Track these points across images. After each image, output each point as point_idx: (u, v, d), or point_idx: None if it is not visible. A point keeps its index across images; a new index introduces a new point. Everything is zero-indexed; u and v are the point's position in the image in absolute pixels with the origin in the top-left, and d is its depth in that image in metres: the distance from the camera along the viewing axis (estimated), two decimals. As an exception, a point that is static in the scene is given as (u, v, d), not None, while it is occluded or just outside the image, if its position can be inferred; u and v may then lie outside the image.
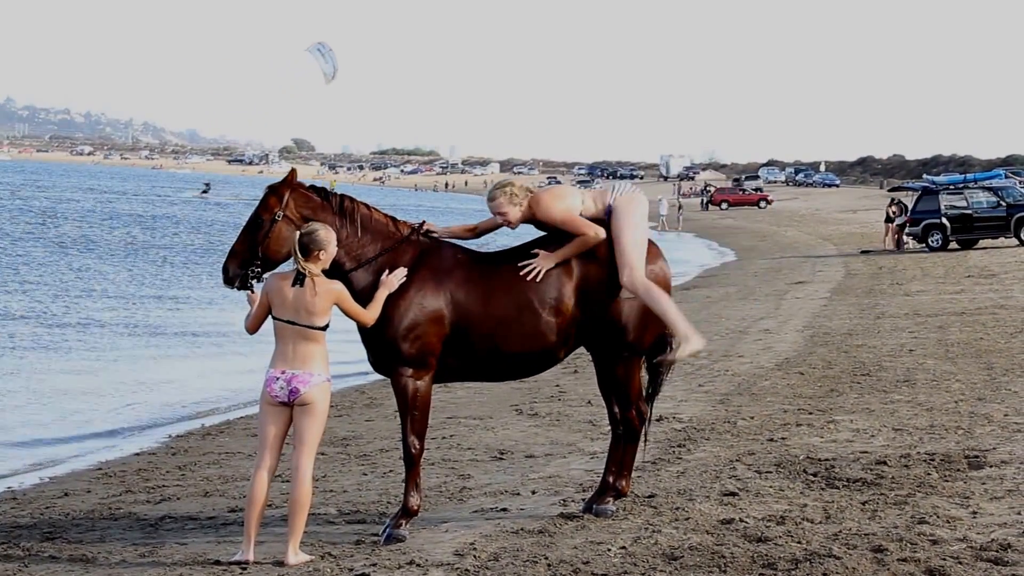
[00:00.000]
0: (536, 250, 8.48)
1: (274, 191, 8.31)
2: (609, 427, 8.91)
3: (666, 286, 8.65)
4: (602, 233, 8.44)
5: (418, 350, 8.22)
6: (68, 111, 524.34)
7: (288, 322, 7.76)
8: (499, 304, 8.32)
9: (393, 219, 8.60)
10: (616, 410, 8.73)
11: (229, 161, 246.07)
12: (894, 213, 45.89)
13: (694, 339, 8.42)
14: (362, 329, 8.21)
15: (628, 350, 8.57)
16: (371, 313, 8.04)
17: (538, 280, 8.35)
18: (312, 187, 8.51)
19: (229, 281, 8.25)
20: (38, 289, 31.03)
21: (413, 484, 8.31)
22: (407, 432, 8.28)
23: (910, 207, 43.89)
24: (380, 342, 8.23)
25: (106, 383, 18.10)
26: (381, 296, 8.09)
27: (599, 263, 8.42)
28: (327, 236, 7.88)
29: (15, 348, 21.24)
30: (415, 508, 8.32)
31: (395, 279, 8.17)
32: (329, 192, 8.52)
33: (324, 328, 7.86)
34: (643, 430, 8.85)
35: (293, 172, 8.45)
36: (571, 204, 8.55)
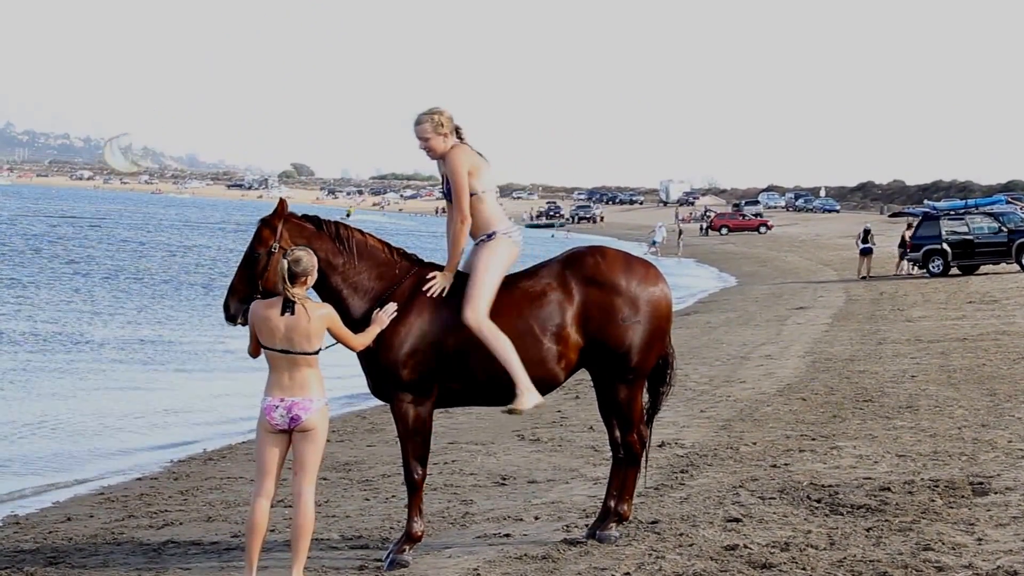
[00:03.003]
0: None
1: (266, 224, 8.26)
2: (610, 452, 8.91)
3: (668, 309, 8.66)
4: (467, 222, 8.38)
5: (419, 376, 8.22)
6: (68, 136, 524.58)
7: (282, 351, 7.67)
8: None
9: (387, 245, 8.59)
10: (617, 434, 8.72)
11: (228, 186, 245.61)
12: (858, 237, 46.49)
13: (530, 395, 8.23)
14: (362, 355, 8.19)
15: (631, 373, 8.54)
16: (362, 340, 7.99)
17: (443, 296, 8.29)
18: (304, 216, 8.48)
19: (231, 318, 8.18)
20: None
21: (416, 510, 8.30)
22: (408, 458, 8.28)
23: (912, 232, 43.95)
24: (380, 368, 8.22)
25: (105, 408, 18.07)
26: (373, 332, 8.05)
27: (600, 288, 8.42)
28: (311, 261, 7.76)
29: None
30: (418, 534, 8.30)
31: (386, 315, 8.13)
32: (322, 220, 8.49)
33: (318, 352, 7.83)
34: (643, 454, 8.82)
35: (283, 203, 8.35)
36: (476, 171, 8.46)
